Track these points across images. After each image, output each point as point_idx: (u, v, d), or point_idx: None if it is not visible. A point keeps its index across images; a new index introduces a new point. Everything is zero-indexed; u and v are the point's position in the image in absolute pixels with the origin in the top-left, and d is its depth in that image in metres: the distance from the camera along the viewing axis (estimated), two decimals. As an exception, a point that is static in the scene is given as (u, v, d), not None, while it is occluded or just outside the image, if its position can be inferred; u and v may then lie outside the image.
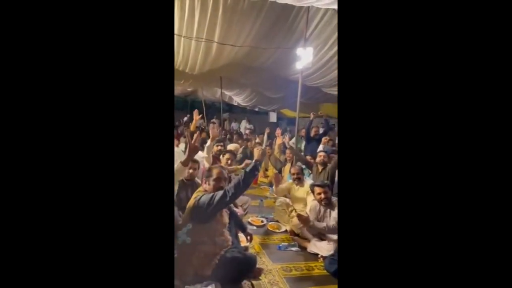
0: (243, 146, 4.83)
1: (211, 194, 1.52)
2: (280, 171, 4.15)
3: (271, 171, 4.38)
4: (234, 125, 9.87)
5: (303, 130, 4.94)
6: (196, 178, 2.41)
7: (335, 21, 3.65)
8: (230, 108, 11.78)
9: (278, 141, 4.52)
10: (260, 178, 4.44)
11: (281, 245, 2.22)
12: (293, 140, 4.56)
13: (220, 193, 1.49)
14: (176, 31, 3.57)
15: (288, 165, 4.24)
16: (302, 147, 4.74)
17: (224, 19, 3.45)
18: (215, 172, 1.61)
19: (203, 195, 1.55)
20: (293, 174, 2.74)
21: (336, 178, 2.97)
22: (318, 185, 2.28)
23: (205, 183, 1.64)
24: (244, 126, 9.18)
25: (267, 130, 5.51)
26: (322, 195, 2.22)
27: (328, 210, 2.25)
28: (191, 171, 2.32)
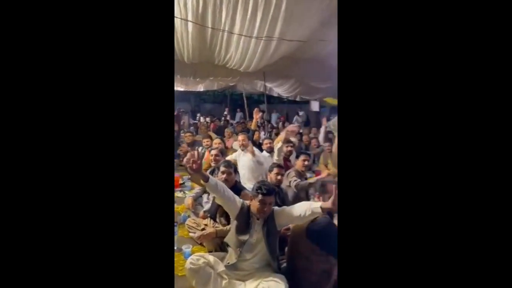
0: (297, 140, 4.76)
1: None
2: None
3: (332, 167, 4.28)
4: (274, 116, 9.80)
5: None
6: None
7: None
8: (268, 99, 11.68)
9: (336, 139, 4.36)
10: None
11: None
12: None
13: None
14: (237, 30, 3.53)
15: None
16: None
17: (286, 14, 3.33)
18: (330, 189, 1.57)
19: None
20: None
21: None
22: None
23: (319, 198, 1.62)
24: (295, 118, 9.08)
25: (324, 123, 5.31)
26: None
27: None
28: (279, 177, 2.31)
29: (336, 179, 3.82)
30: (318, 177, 2.70)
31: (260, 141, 4.09)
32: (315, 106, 9.65)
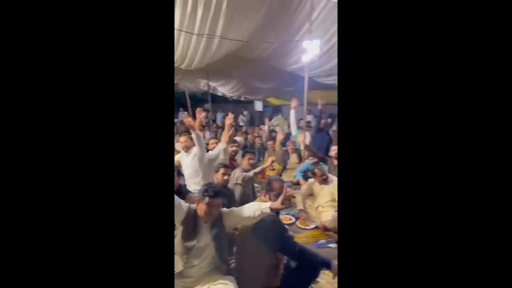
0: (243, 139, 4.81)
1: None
2: (285, 166, 4.23)
3: (277, 164, 4.43)
4: (219, 115, 9.71)
5: (302, 120, 5.00)
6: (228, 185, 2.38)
7: (334, 15, 3.68)
8: (213, 98, 11.52)
9: (279, 136, 4.53)
10: (268, 171, 4.49)
11: (319, 243, 2.32)
12: (295, 132, 4.62)
13: None
14: (176, 26, 3.37)
15: (292, 157, 4.34)
16: (306, 140, 4.81)
17: (228, 13, 3.32)
18: (276, 186, 1.61)
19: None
20: (320, 175, 2.80)
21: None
22: None
23: (265, 196, 1.64)
24: (240, 118, 9.08)
25: (267, 123, 5.46)
26: None
27: None
28: (225, 177, 2.28)
29: (282, 177, 3.91)
30: (263, 166, 2.79)
31: (206, 142, 4.00)
32: (258, 106, 9.89)
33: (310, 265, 1.62)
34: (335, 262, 1.65)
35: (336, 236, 2.42)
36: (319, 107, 4.08)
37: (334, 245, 2.30)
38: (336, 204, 2.62)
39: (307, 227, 2.65)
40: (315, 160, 3.31)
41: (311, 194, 2.93)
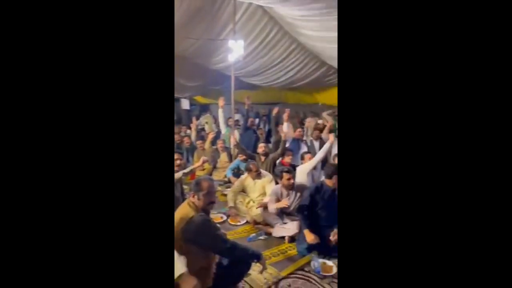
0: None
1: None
2: (215, 165, 4.22)
3: (207, 164, 4.38)
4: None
5: (230, 119, 5.06)
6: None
7: (257, 17, 3.84)
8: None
9: (210, 135, 4.50)
10: (198, 171, 4.39)
11: (250, 237, 2.41)
12: (224, 130, 4.65)
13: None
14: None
15: (222, 156, 4.36)
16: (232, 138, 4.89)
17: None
18: (205, 186, 1.59)
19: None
20: (255, 171, 2.90)
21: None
22: (286, 171, 2.54)
23: (193, 197, 1.61)
24: None
25: (195, 122, 5.31)
26: (291, 180, 2.50)
27: (292, 192, 2.56)
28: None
29: (212, 176, 3.89)
30: (194, 166, 2.78)
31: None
32: (185, 104, 9.52)
33: (241, 259, 1.68)
34: (264, 254, 1.75)
35: (265, 228, 2.56)
36: (246, 106, 4.21)
37: (264, 237, 2.43)
38: (265, 197, 2.78)
39: (238, 223, 2.72)
40: (244, 157, 3.41)
41: (242, 191, 3.02)
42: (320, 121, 4.70)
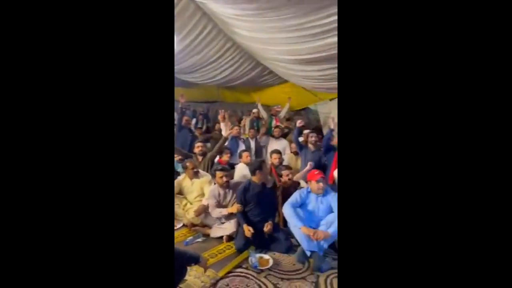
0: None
1: None
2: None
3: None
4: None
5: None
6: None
7: (189, 12, 3.71)
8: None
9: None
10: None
11: (187, 240, 2.33)
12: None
13: None
14: None
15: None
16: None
17: None
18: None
19: None
20: (192, 168, 2.79)
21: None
22: (220, 170, 2.50)
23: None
24: None
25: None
26: (224, 178, 2.47)
27: (229, 191, 2.55)
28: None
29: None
30: None
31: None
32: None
33: (178, 264, 1.60)
34: (203, 255, 1.70)
35: (203, 229, 2.50)
36: (180, 104, 4.04)
37: (201, 239, 2.38)
38: (203, 198, 2.71)
39: (175, 227, 2.60)
40: (179, 157, 3.27)
41: (179, 193, 2.89)
42: (254, 110, 4.84)
